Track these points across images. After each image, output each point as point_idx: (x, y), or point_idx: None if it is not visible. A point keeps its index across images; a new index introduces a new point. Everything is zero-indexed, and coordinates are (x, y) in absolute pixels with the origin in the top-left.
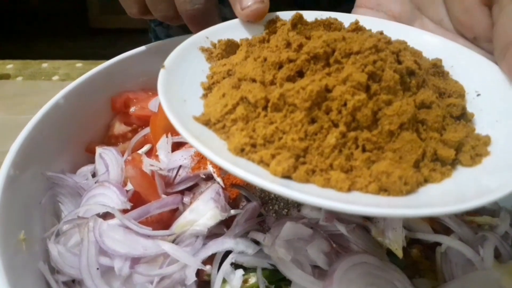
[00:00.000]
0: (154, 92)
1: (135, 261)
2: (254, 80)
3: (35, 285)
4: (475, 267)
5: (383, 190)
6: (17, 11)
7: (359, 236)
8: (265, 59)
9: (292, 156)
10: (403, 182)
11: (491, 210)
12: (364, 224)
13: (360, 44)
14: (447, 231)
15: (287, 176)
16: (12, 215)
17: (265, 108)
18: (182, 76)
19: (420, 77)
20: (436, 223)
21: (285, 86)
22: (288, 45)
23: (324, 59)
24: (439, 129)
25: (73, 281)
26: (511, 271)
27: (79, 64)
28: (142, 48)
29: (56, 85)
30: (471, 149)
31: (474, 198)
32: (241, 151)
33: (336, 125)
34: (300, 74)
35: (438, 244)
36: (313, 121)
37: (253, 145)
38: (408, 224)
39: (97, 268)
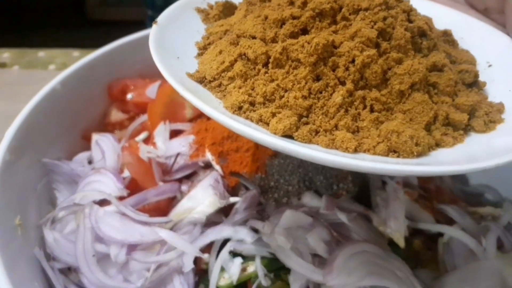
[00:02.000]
0: (152, 79)
1: (131, 247)
2: (254, 37)
3: (31, 271)
4: (477, 257)
5: (392, 151)
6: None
7: (360, 225)
8: (266, 17)
9: (294, 114)
10: (414, 142)
11: (494, 201)
12: (366, 213)
13: (369, 0)
14: (449, 221)
15: (288, 136)
16: (8, 200)
17: (265, 65)
18: (175, 34)
19: (432, 41)
20: (439, 214)
21: (288, 41)
22: (291, 3)
23: (330, 16)
24: (451, 93)
25: (69, 268)
26: None
27: (76, 53)
28: (140, 34)
29: (52, 74)
30: (484, 115)
31: (486, 159)
32: (238, 109)
33: (342, 83)
34: (304, 32)
35: (440, 235)
36: (317, 78)
37: (252, 104)
38: (411, 213)
39: (93, 255)
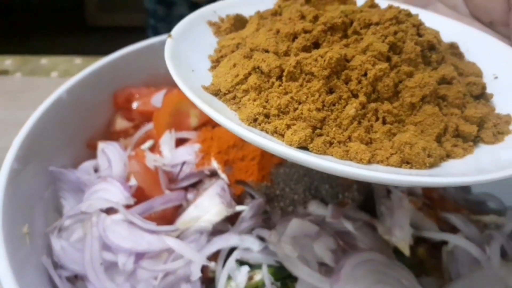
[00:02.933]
0: (157, 88)
1: (139, 256)
2: (267, 51)
3: (39, 279)
4: (481, 266)
5: (405, 162)
6: (14, 6)
7: (365, 234)
8: (278, 31)
9: (309, 126)
10: (427, 154)
11: (497, 210)
12: (371, 222)
13: (380, 15)
14: (453, 230)
15: (303, 147)
16: (16, 208)
17: (279, 78)
18: (189, 47)
19: (440, 54)
20: (443, 222)
21: (301, 55)
22: (302, 17)
23: (341, 30)
24: (460, 105)
25: (76, 276)
26: None
27: (78, 60)
28: (145, 43)
29: (55, 81)
30: (493, 127)
31: (495, 170)
32: (253, 121)
33: (355, 96)
34: (316, 46)
35: (444, 243)
36: (331, 91)
37: (267, 116)
38: (415, 222)
39: (101, 263)
